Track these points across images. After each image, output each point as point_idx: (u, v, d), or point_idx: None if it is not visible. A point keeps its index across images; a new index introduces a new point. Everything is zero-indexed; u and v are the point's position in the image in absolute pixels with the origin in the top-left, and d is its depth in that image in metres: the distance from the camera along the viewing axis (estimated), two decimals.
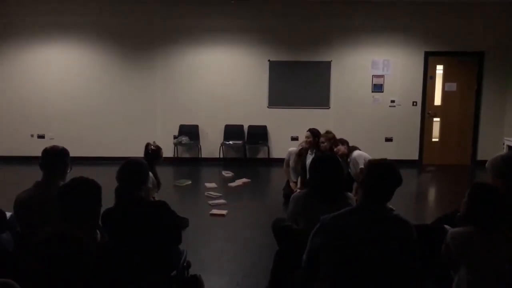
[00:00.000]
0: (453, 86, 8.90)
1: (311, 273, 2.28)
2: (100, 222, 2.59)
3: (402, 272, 2.11)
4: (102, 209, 2.57)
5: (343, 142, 5.61)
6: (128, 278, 2.33)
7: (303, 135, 6.05)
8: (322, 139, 5.64)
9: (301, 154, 5.91)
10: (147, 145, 4.57)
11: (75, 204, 2.14)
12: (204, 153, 9.01)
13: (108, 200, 2.63)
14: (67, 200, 2.15)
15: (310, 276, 2.28)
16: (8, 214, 2.89)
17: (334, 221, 2.15)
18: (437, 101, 8.99)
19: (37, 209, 2.62)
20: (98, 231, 2.56)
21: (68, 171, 2.94)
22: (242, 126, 8.97)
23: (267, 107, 8.95)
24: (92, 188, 2.23)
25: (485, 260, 2.11)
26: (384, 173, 2.17)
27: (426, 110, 8.92)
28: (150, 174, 4.15)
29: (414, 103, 8.87)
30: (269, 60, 8.82)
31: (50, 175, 2.83)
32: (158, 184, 4.40)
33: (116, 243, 2.52)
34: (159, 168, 4.56)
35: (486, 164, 3.01)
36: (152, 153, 4.49)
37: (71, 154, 3.01)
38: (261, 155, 9.14)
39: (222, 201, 5.98)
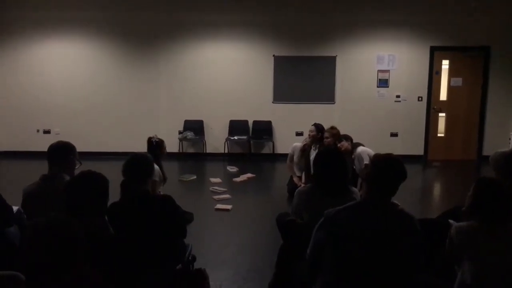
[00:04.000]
0: (458, 81, 8.85)
1: (315, 267, 2.28)
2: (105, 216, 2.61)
3: (406, 267, 2.12)
4: (108, 203, 2.60)
5: (347, 138, 5.60)
6: (133, 271, 2.35)
7: (308, 131, 6.05)
8: (326, 134, 5.64)
9: (304, 150, 5.92)
10: (149, 139, 4.59)
11: (83, 196, 2.16)
12: (209, 148, 9.03)
13: (113, 195, 2.65)
14: (75, 192, 2.17)
15: (314, 269, 2.29)
16: (15, 208, 2.92)
17: (338, 215, 2.15)
18: (443, 96, 8.94)
19: (43, 202, 2.65)
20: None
21: (77, 166, 2.97)
22: (246, 121, 8.98)
23: (272, 102, 8.94)
24: (99, 181, 2.25)
25: (489, 254, 2.10)
26: (389, 167, 2.17)
27: (432, 105, 8.87)
28: (157, 167, 4.20)
29: (420, 98, 8.83)
30: (274, 55, 8.81)
31: (55, 169, 2.87)
32: (164, 178, 4.43)
33: (121, 237, 2.54)
34: (164, 162, 4.59)
35: (490, 159, 3.00)
36: (157, 144, 4.53)
37: (77, 149, 3.04)
38: (266, 150, 9.14)
39: (227, 196, 6.00)
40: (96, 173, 2.30)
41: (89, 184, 2.21)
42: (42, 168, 3.01)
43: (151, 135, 4.65)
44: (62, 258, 1.48)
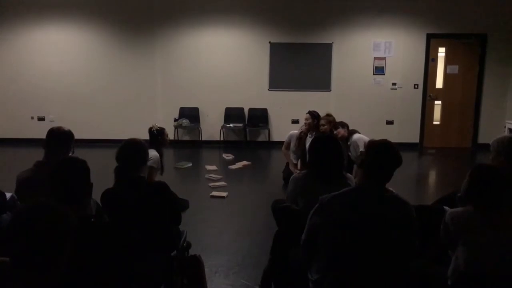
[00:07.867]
0: (455, 69, 8.84)
1: (309, 253, 2.29)
2: (99, 203, 2.60)
3: (401, 252, 2.12)
4: (102, 190, 2.58)
5: (343, 125, 5.59)
6: (128, 258, 2.35)
7: (303, 118, 6.03)
8: (322, 121, 5.62)
9: (301, 138, 5.91)
10: (150, 128, 4.54)
11: (64, 182, 2.14)
12: (205, 136, 9.01)
13: (108, 181, 2.64)
14: (57, 179, 2.15)
15: (309, 255, 2.30)
16: (8, 195, 2.90)
17: (333, 201, 2.14)
18: (439, 83, 8.94)
19: (37, 188, 2.62)
20: (93, 208, 2.56)
21: (70, 153, 2.95)
22: (242, 108, 8.95)
23: (268, 89, 8.91)
24: (79, 167, 2.22)
25: (483, 240, 2.11)
26: (384, 152, 2.16)
27: (428, 92, 8.87)
28: (157, 154, 4.17)
29: (416, 86, 8.82)
30: (270, 42, 8.75)
31: (50, 155, 2.84)
32: (161, 168, 4.41)
33: (116, 223, 2.53)
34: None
35: (491, 142, 3.00)
36: (158, 133, 4.49)
37: None
38: (262, 138, 9.13)
39: (222, 183, 6.00)
40: (77, 159, 2.27)
41: (71, 171, 2.18)
42: (36, 155, 2.98)
43: (151, 125, 4.61)
44: (46, 244, 1.45)
